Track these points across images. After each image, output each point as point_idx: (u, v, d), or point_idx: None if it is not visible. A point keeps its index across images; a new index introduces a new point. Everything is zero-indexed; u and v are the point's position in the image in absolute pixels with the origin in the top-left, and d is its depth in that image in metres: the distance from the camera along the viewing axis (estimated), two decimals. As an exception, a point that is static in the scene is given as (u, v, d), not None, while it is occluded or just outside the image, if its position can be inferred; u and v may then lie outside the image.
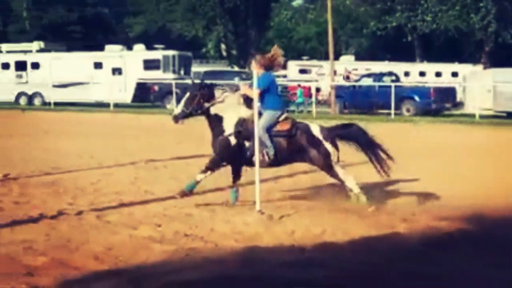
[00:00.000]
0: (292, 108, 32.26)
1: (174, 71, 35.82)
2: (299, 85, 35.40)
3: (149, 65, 35.68)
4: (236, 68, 43.72)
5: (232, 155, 8.99)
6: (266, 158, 8.85)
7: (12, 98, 37.37)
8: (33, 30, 55.67)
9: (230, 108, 8.98)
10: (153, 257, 6.50)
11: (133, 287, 5.56)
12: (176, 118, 9.07)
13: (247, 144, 8.88)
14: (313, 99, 31.57)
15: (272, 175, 10.09)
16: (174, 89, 32.00)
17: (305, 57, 48.21)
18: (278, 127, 8.97)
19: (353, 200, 8.91)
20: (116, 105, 34.26)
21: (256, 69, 8.99)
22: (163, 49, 36.73)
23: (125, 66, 36.02)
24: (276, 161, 9.08)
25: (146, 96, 35.31)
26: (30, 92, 37.43)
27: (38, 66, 37.43)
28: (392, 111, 29.01)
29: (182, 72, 36.59)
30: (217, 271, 6.04)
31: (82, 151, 14.70)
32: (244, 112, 8.98)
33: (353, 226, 7.66)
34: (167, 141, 17.20)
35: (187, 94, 9.08)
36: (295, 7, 69.21)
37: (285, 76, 43.41)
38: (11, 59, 38.11)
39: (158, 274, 5.95)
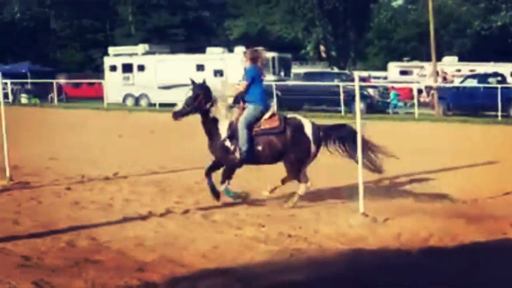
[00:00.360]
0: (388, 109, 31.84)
1: (274, 73, 35.96)
2: (392, 87, 34.86)
3: (250, 67, 36.03)
4: (336, 70, 43.42)
5: (233, 157, 8.96)
6: (238, 154, 8.84)
7: (120, 99, 38.63)
8: (138, 33, 57.41)
9: (224, 111, 9.00)
10: (258, 257, 6.58)
11: (242, 286, 5.65)
12: (176, 115, 9.19)
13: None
14: (415, 101, 30.92)
15: (377, 177, 9.94)
16: (274, 91, 32.15)
17: (406, 58, 47.33)
18: (267, 125, 8.90)
19: (289, 200, 8.98)
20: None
21: (245, 63, 9.13)
22: (263, 51, 36.99)
23: (226, 68, 36.51)
24: (260, 159, 9.04)
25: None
26: (136, 94, 38.55)
27: (144, 68, 38.51)
28: (499, 113, 28.04)
29: (282, 73, 36.73)
30: (321, 272, 6.05)
31: (185, 151, 15.01)
32: (236, 115, 8.98)
33: (462, 231, 7.47)
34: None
35: (190, 93, 9.10)
36: (394, 8, 68.08)
37: (385, 78, 42.83)
38: (118, 61, 39.38)
39: (264, 274, 6.02)
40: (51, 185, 10.56)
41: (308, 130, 8.98)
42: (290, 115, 9.44)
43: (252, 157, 8.95)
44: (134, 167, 12.52)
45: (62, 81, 44.75)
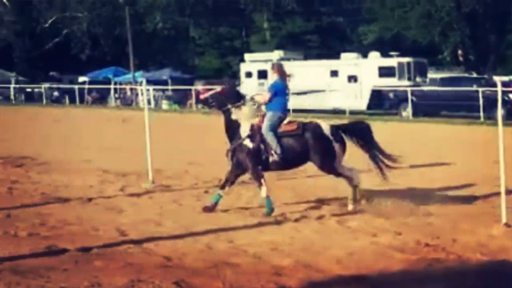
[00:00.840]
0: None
1: (409, 78, 35.26)
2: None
3: (384, 72, 35.50)
4: (474, 75, 41.89)
5: (255, 157, 9.08)
6: (275, 156, 8.98)
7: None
8: (273, 40, 58.19)
9: (247, 115, 9.25)
10: (395, 266, 6.48)
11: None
12: (201, 100, 9.85)
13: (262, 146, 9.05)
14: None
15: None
16: (409, 96, 31.52)
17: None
18: (283, 128, 9.11)
19: (352, 193, 9.02)
20: (352, 112, 34.60)
21: (273, 76, 9.52)
22: (398, 56, 36.37)
23: (360, 73, 36.22)
24: (287, 162, 9.14)
25: (381, 104, 35.19)
26: (270, 99, 39.05)
27: (278, 74, 38.92)
28: None
29: (417, 79, 35.93)
30: (461, 285, 5.87)
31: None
32: (258, 120, 9.22)
33: None
34: (405, 148, 16.97)
35: (219, 88, 9.45)
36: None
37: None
38: (254, 68, 40.07)
39: (400, 284, 5.93)
40: (191, 189, 10.93)
41: (327, 130, 9.14)
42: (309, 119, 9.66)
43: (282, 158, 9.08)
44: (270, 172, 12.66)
45: (200, 87, 46.15)
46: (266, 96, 9.37)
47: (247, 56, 41.78)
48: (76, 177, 11.85)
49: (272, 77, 9.55)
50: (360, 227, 8.18)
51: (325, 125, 9.28)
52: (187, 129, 24.34)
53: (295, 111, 36.11)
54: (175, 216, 8.69)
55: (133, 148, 15.52)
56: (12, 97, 49.91)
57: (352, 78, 36.32)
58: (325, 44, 56.37)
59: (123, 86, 49.62)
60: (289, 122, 9.28)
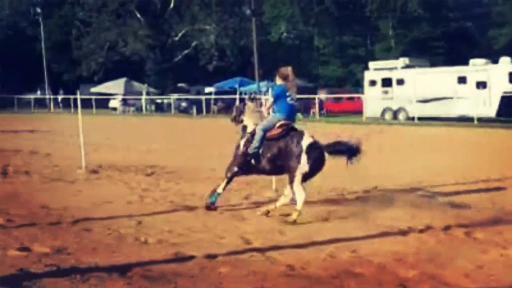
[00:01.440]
0: None
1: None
2: None
3: (515, 78, 34.12)
4: None
5: (241, 159, 9.52)
6: (247, 149, 9.41)
7: (378, 113, 38.85)
8: (398, 47, 57.30)
9: (252, 119, 9.78)
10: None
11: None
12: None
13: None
14: None
15: None
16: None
17: None
18: (272, 131, 9.34)
19: (292, 215, 8.90)
20: (480, 120, 33.42)
21: (277, 81, 9.61)
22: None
23: (489, 79, 34.95)
24: (260, 165, 9.41)
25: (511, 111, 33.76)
26: (395, 107, 38.49)
27: (403, 82, 38.31)
28: None
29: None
30: None
31: (445, 165, 14.68)
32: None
33: None
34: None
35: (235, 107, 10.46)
36: None
37: None
38: (378, 76, 39.64)
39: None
40: (313, 196, 10.92)
41: (305, 142, 9.12)
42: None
43: (257, 158, 9.39)
44: (393, 182, 12.49)
45: (323, 96, 46.24)
46: (268, 104, 9.81)
47: (371, 64, 41.37)
48: (202, 186, 12.18)
49: (277, 82, 9.69)
50: (489, 239, 7.89)
51: (307, 137, 9.24)
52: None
53: (420, 119, 35.51)
54: (298, 225, 8.73)
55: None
56: (143, 107, 52.07)
57: (481, 85, 35.10)
58: (453, 50, 54.78)
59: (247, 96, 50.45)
60: (281, 125, 9.39)
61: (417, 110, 36.50)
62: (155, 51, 57.68)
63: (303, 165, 9.04)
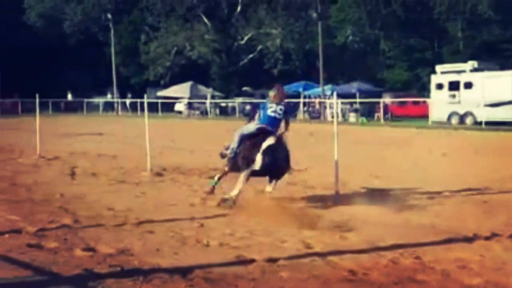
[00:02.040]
0: None
1: None
2: None
3: None
4: None
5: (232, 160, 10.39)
6: (225, 150, 10.42)
7: (444, 117, 38.17)
8: (466, 50, 56.14)
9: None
10: None
11: None
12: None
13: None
14: None
15: None
16: None
17: None
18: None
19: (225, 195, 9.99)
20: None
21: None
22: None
23: (563, 83, 33.92)
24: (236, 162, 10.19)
25: None
26: (461, 112, 37.74)
27: (471, 86, 37.51)
28: None
29: None
30: None
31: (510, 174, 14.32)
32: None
33: None
34: None
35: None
36: None
37: None
38: (445, 79, 38.93)
39: None
40: (376, 202, 10.82)
41: (265, 144, 9.76)
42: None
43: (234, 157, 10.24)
44: (458, 186, 12.26)
45: (388, 100, 45.74)
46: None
47: (438, 67, 40.66)
48: (263, 189, 12.21)
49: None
50: (559, 248, 7.64)
51: (271, 141, 9.86)
52: (374, 142, 24.15)
53: (488, 123, 34.67)
54: (360, 230, 8.66)
55: (319, 162, 15.70)
56: (208, 111, 52.62)
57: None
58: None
59: (312, 100, 50.40)
60: (257, 128, 10.21)
61: (485, 115, 35.68)
62: (221, 55, 58.20)
63: (256, 163, 9.72)
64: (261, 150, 9.73)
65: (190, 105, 53.72)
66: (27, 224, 8.95)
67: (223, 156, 10.70)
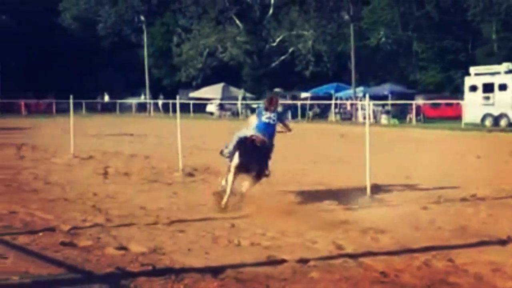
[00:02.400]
0: None
1: None
2: None
3: None
4: None
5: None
6: (225, 149, 11.14)
7: (478, 119, 37.76)
8: (501, 51, 55.38)
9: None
10: None
11: None
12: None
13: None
14: None
15: None
16: None
17: None
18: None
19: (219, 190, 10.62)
20: None
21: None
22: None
23: None
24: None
25: None
26: (496, 113, 37.26)
27: (505, 88, 37.02)
28: None
29: None
30: None
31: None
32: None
33: None
34: None
35: None
36: None
37: None
38: (479, 81, 38.49)
39: None
40: (408, 204, 10.75)
41: (243, 144, 10.68)
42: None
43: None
44: (493, 189, 12.11)
45: (420, 101, 45.35)
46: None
47: (472, 69, 40.18)
48: (295, 189, 12.22)
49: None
50: None
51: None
52: (405, 144, 23.97)
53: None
54: (392, 232, 8.60)
55: (350, 162, 15.66)
56: (239, 112, 52.73)
57: None
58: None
59: (343, 101, 50.20)
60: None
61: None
62: (253, 57, 58.26)
63: (234, 159, 10.50)
64: (238, 148, 10.63)
65: (221, 106, 53.87)
66: (60, 222, 9.07)
67: (222, 154, 11.30)
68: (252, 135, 10.78)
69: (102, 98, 61.90)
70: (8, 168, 15.93)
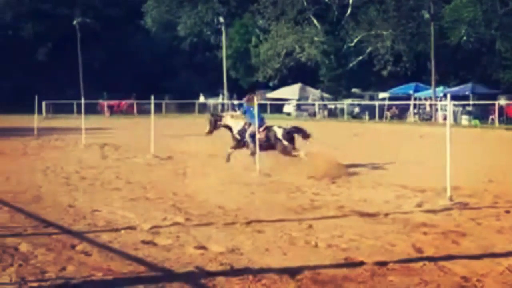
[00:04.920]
0: None
1: None
2: None
3: None
4: None
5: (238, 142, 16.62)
6: (251, 148, 15.97)
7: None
8: None
9: (232, 121, 16.96)
10: None
11: None
12: (207, 133, 17.41)
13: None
14: None
15: None
16: None
17: None
18: (258, 136, 15.58)
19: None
20: None
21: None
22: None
23: None
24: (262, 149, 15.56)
25: None
26: None
27: None
28: None
29: None
30: None
31: None
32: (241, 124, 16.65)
33: None
34: None
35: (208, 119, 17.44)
36: None
37: None
38: None
39: None
40: (490, 207, 10.48)
41: (279, 134, 15.85)
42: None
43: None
44: None
45: (503, 102, 44.04)
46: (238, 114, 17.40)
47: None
48: (373, 191, 12.11)
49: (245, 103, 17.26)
50: None
51: (278, 130, 15.95)
52: (488, 146, 23.34)
53: None
54: (473, 235, 8.40)
55: (430, 164, 15.38)
56: (316, 112, 52.59)
57: None
58: None
59: (422, 102, 49.30)
60: (262, 131, 15.81)
61: None
62: (330, 57, 57.98)
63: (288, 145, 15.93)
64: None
65: (298, 107, 53.86)
66: (141, 221, 9.29)
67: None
68: (263, 132, 15.84)
69: (197, 98, 62.54)
70: (92, 167, 16.43)
